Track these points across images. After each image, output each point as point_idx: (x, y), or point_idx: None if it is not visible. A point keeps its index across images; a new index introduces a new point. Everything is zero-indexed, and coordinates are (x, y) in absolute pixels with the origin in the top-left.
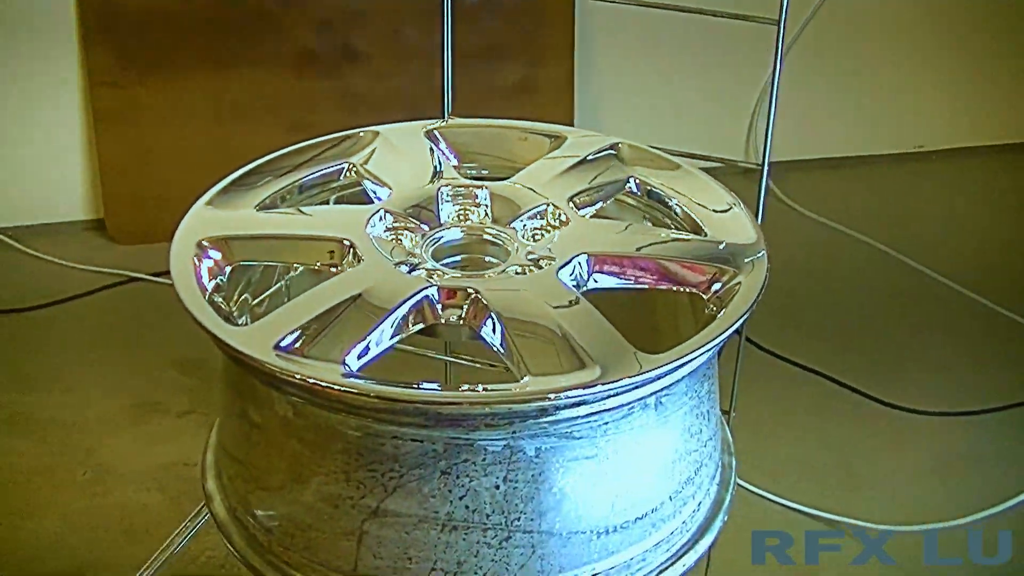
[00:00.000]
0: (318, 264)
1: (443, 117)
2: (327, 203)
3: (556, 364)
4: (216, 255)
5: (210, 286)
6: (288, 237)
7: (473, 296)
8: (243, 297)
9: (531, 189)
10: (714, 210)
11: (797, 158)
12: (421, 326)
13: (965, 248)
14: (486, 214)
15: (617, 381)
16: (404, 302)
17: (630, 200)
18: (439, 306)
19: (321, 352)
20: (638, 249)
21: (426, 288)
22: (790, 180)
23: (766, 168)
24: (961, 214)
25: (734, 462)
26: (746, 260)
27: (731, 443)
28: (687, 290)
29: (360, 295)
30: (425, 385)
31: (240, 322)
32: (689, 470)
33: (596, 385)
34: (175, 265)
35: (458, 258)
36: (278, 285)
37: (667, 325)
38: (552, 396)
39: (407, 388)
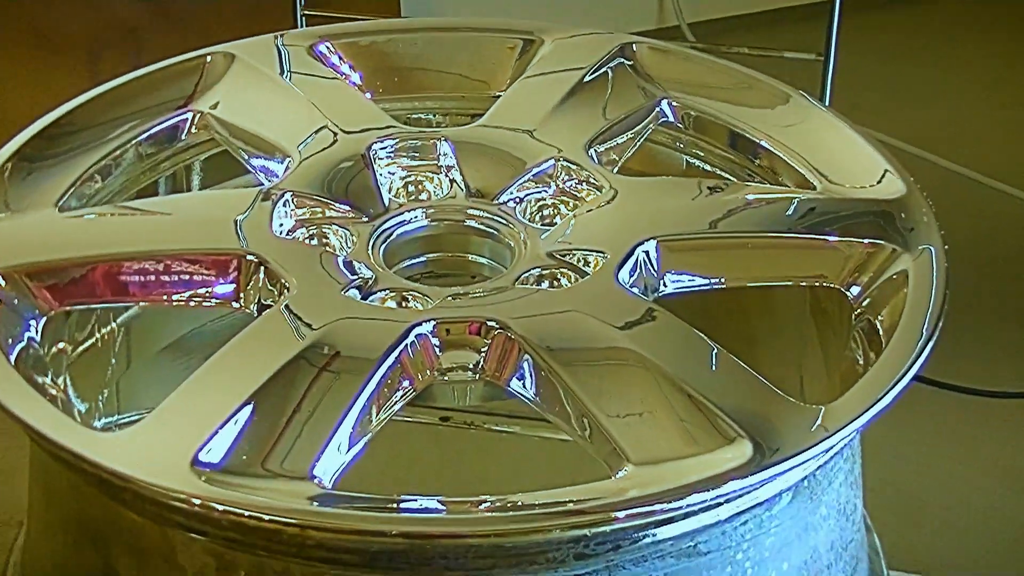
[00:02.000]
0: (204, 299)
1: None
2: (177, 187)
3: (665, 435)
4: (16, 299)
5: (14, 352)
6: (141, 258)
7: (495, 330)
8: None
9: (523, 133)
10: (813, 142)
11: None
12: (410, 392)
13: None
14: (455, 183)
15: (792, 458)
16: (384, 358)
17: (667, 137)
18: (436, 351)
19: (273, 465)
20: (715, 223)
21: (416, 327)
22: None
23: (832, 58)
24: None
25: (877, 543)
26: (904, 228)
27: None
28: (818, 285)
29: (301, 358)
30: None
31: (84, 413)
32: (847, 569)
33: (763, 470)
34: None
35: (422, 259)
36: (105, 331)
37: (766, 333)
38: (688, 498)
39: (442, 514)
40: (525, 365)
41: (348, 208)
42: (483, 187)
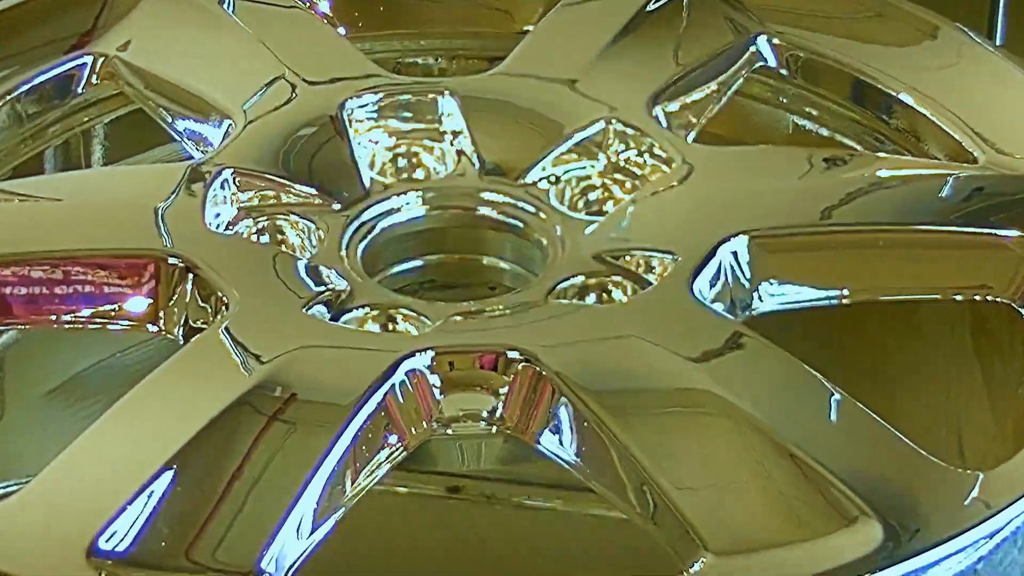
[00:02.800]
0: (109, 320)
1: None
2: (71, 162)
3: (757, 514)
4: None
5: None
6: (20, 262)
7: (520, 364)
8: None
9: (561, 85)
10: (974, 95)
11: None
12: (400, 451)
13: None
14: (464, 156)
15: (939, 546)
16: (362, 403)
17: (765, 89)
18: (436, 394)
19: (203, 555)
20: (832, 211)
21: (407, 359)
22: None
23: None
24: None
25: None
26: None
27: None
28: (980, 298)
29: (245, 403)
30: None
31: None
32: None
33: (897, 562)
34: None
35: (418, 263)
36: None
37: (905, 367)
38: None
39: None
40: (562, 413)
41: (313, 192)
42: (503, 161)
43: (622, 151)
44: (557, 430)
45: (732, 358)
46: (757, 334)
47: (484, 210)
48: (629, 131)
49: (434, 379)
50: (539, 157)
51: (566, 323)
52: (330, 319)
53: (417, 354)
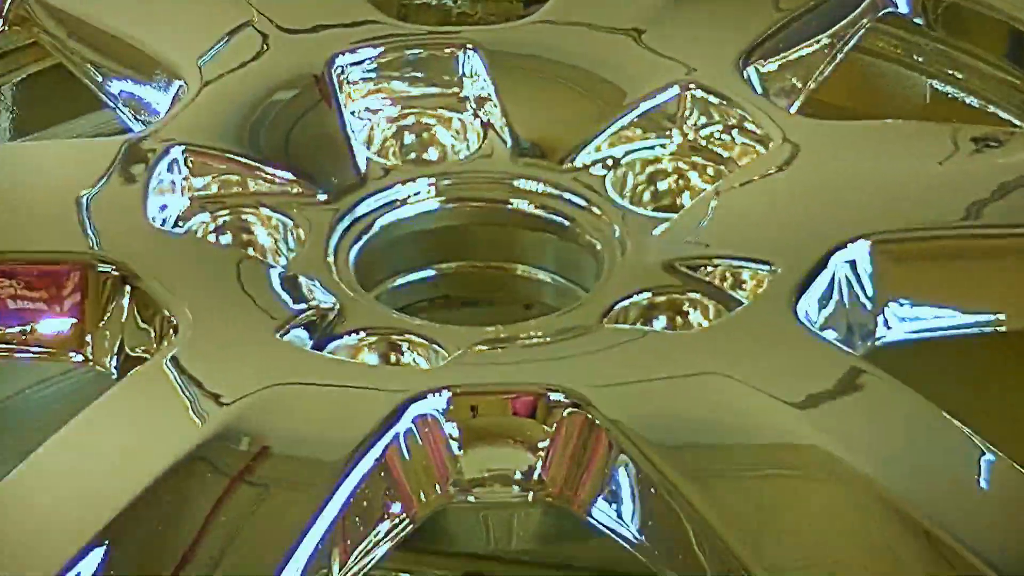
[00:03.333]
0: (20, 346)
1: None
2: None
3: None
4: None
5: None
6: None
7: (565, 409)
8: None
9: (622, 37)
10: None
11: None
12: (405, 525)
13: None
14: (493, 130)
15: None
16: (355, 460)
17: (894, 44)
18: (453, 448)
19: None
20: (982, 208)
21: (415, 402)
22: None
23: None
24: None
25: None
26: None
27: None
28: None
29: (199, 458)
30: None
31: None
32: None
33: None
34: None
35: (429, 273)
36: None
37: None
38: None
39: None
40: (621, 476)
41: (290, 177)
42: (544, 138)
43: (702, 126)
44: (615, 498)
45: (848, 403)
46: (882, 371)
47: (518, 203)
48: (712, 99)
49: (451, 428)
50: (592, 133)
51: (627, 355)
52: (313, 347)
53: (429, 395)
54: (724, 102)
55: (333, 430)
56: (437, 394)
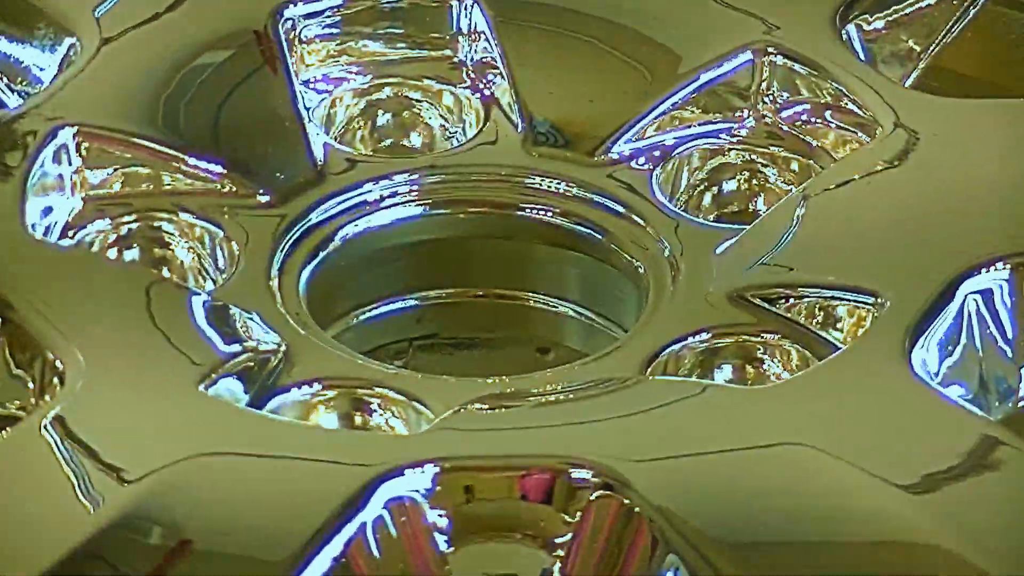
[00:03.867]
0: None
1: None
2: None
3: None
4: None
5: None
6: None
7: (593, 490)
8: None
9: None
10: None
11: None
12: None
13: None
14: (499, 109)
15: None
16: (307, 559)
17: None
18: (441, 543)
19: None
20: None
21: (387, 479)
22: None
23: None
24: None
25: None
26: None
27: None
28: None
29: (95, 555)
30: None
31: None
32: None
33: None
34: None
35: (409, 306)
36: None
37: None
38: None
39: None
40: None
41: (219, 171)
42: (568, 120)
43: (785, 105)
44: None
45: (981, 487)
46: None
47: (531, 209)
48: (799, 68)
49: (437, 517)
50: (634, 114)
51: (678, 419)
52: (249, 405)
53: (407, 471)
54: (815, 72)
55: (277, 519)
56: (419, 469)
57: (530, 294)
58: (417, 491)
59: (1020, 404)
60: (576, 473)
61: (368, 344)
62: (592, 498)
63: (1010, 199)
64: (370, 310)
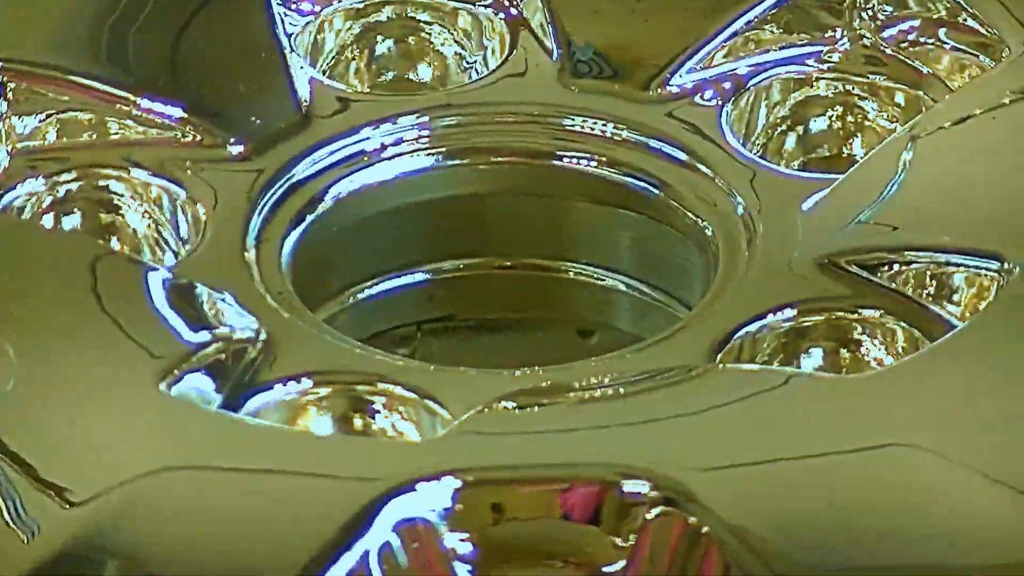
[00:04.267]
0: None
1: None
2: None
3: None
4: None
5: None
6: None
7: (651, 507)
8: None
9: None
10: None
11: None
12: None
13: None
14: (521, 31)
15: None
16: None
17: None
18: (458, 573)
19: None
20: None
21: (398, 495)
22: None
23: None
24: None
25: None
26: None
27: None
28: None
29: None
30: None
31: None
32: None
33: None
34: None
35: (419, 280)
36: None
37: None
38: None
39: None
40: None
41: (181, 114)
42: (615, 46)
43: (888, 21)
44: None
45: None
46: None
47: (569, 158)
48: None
49: (457, 542)
50: (698, 37)
51: (756, 417)
52: (223, 406)
53: (419, 486)
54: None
55: (261, 548)
56: (435, 483)
57: (570, 264)
58: (433, 510)
59: None
60: (629, 486)
61: (367, 330)
62: (649, 516)
63: None
64: (369, 287)
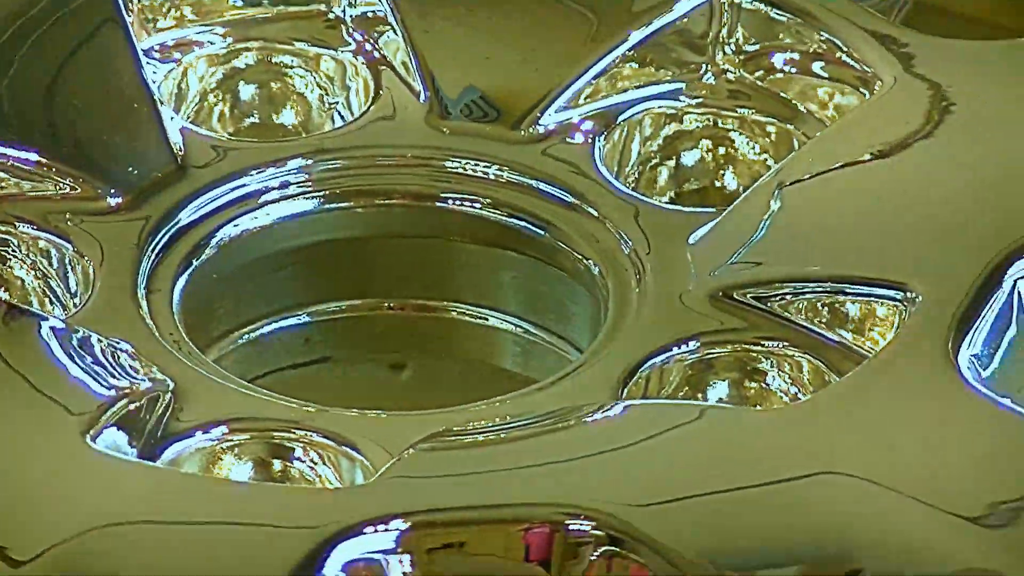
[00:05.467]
0: None
1: None
2: None
3: None
4: None
5: None
6: None
7: (597, 553)
8: None
9: None
10: None
11: None
12: None
13: None
14: (392, 72)
15: None
16: None
17: None
18: None
19: None
20: None
21: (336, 546)
22: None
23: None
24: None
25: None
26: None
27: None
28: None
29: None
30: None
31: None
32: None
33: None
34: None
35: (297, 323)
36: None
37: None
38: None
39: None
40: None
41: (55, 166)
42: (487, 85)
43: (753, 54)
44: None
45: None
46: None
47: (452, 200)
48: (771, 11)
49: None
50: (570, 74)
51: (685, 450)
52: (140, 457)
53: (367, 529)
54: (792, 16)
55: None
56: (381, 526)
57: (455, 305)
58: (381, 552)
59: None
60: (575, 525)
61: (251, 372)
62: (593, 557)
63: None
64: (249, 332)
